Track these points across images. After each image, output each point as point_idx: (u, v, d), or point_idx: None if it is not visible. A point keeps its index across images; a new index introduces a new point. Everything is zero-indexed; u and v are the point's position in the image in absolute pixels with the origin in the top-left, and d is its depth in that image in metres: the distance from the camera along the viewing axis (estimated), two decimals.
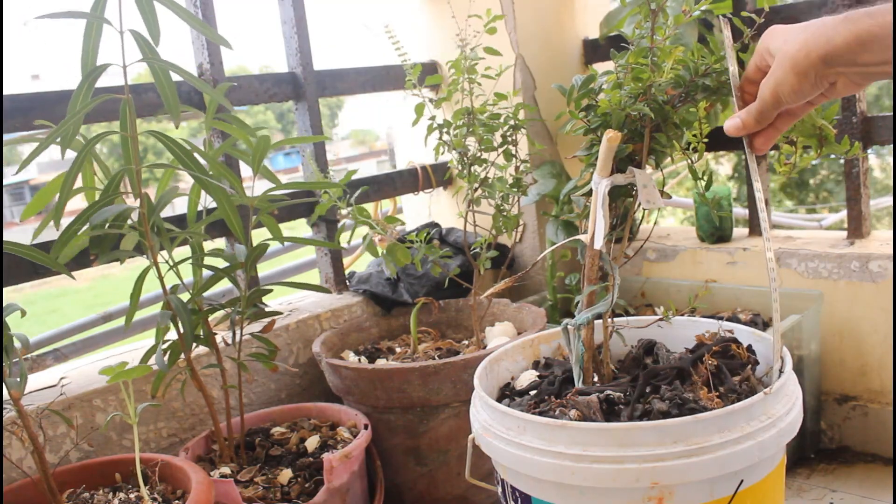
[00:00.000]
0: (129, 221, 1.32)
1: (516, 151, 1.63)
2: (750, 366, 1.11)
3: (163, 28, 1.20)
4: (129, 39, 1.18)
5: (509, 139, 1.62)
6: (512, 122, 1.60)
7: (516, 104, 1.60)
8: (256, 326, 1.71)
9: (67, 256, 1.26)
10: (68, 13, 1.13)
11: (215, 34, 1.29)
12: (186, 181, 1.36)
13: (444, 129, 1.61)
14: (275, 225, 1.48)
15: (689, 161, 1.15)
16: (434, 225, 2.18)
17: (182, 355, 1.38)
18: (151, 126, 1.38)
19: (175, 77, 1.21)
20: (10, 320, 1.18)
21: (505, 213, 1.65)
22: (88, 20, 1.15)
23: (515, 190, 1.63)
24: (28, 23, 1.14)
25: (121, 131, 1.26)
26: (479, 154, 1.61)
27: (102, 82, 1.23)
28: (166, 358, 1.36)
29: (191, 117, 1.60)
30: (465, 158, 1.62)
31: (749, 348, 1.15)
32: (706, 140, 1.12)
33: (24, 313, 1.20)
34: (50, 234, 1.28)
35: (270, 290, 1.50)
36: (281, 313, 1.54)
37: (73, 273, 1.38)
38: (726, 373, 1.09)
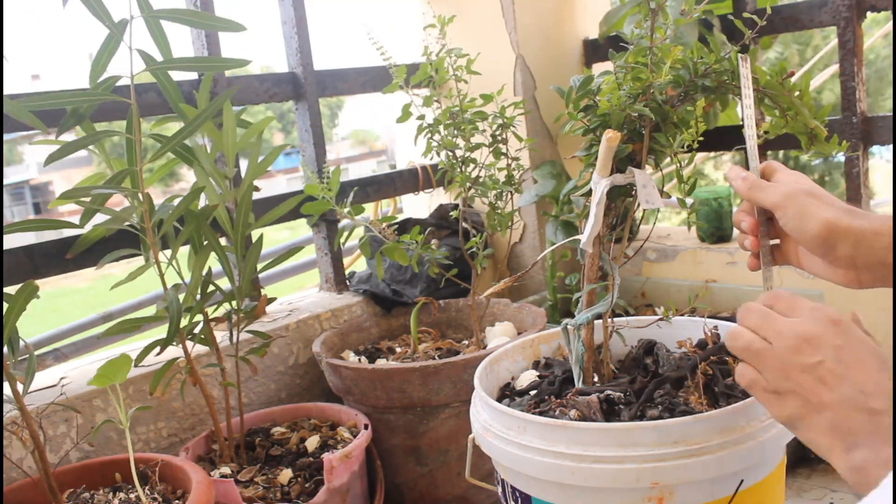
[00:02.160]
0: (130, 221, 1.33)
1: (506, 150, 1.63)
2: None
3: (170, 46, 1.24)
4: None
5: (499, 138, 1.62)
6: (500, 121, 1.60)
7: (502, 103, 1.60)
8: (257, 326, 1.71)
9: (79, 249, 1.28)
10: (98, 6, 1.16)
11: (225, 21, 1.30)
12: (188, 181, 1.38)
13: (434, 129, 1.61)
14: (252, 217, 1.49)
15: (678, 165, 1.15)
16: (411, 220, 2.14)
17: (181, 355, 1.39)
18: (151, 126, 1.39)
19: (176, 78, 1.24)
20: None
21: (499, 211, 1.65)
22: (110, 33, 1.20)
23: (508, 187, 1.64)
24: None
25: (126, 133, 1.28)
26: (466, 154, 1.61)
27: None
28: (156, 348, 1.36)
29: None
30: (454, 158, 1.62)
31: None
32: (701, 139, 1.12)
33: (38, 295, 1.20)
34: (51, 234, 1.29)
35: (259, 245, 1.48)
36: (275, 298, 1.53)
37: (73, 274, 1.40)
38: (719, 376, 1.09)
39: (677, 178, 1.16)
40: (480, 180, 1.63)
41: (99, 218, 1.37)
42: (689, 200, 1.18)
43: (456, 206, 1.69)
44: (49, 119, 1.35)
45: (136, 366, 1.33)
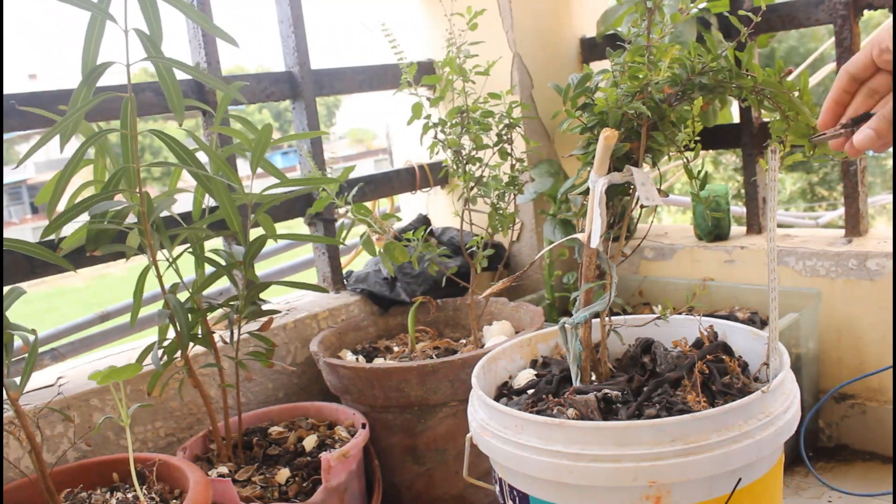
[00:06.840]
0: (129, 220, 1.32)
1: (511, 150, 1.63)
2: (737, 362, 1.11)
3: (162, 27, 1.20)
4: (132, 38, 1.18)
5: (504, 137, 1.62)
6: (507, 121, 1.60)
7: (510, 102, 1.60)
8: (255, 326, 1.71)
9: (68, 248, 1.26)
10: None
11: (219, 30, 1.27)
12: (190, 181, 1.37)
13: (440, 128, 1.61)
14: (270, 222, 1.48)
15: (685, 160, 1.15)
16: (425, 219, 2.17)
17: (179, 354, 1.38)
18: (148, 125, 1.37)
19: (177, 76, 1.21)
20: (11, 312, 1.18)
21: (501, 212, 1.65)
22: (93, 14, 1.15)
23: (511, 188, 1.63)
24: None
25: (121, 129, 1.26)
26: (472, 153, 1.61)
27: (99, 82, 1.23)
28: (163, 357, 1.35)
29: (188, 117, 1.60)
30: (460, 157, 1.62)
31: (740, 359, 1.15)
32: (699, 138, 1.12)
33: (23, 292, 1.20)
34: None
35: (269, 285, 1.49)
36: (279, 311, 1.54)
37: (71, 274, 1.38)
38: (716, 375, 1.09)
39: (686, 173, 1.16)
40: (484, 180, 1.63)
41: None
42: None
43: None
44: (45, 120, 1.34)
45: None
